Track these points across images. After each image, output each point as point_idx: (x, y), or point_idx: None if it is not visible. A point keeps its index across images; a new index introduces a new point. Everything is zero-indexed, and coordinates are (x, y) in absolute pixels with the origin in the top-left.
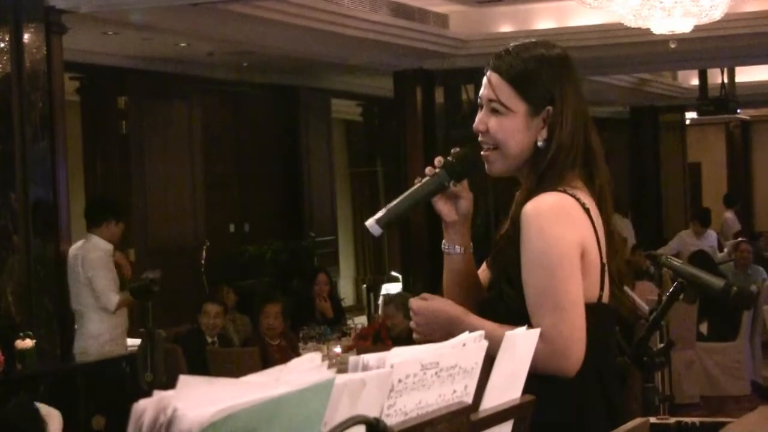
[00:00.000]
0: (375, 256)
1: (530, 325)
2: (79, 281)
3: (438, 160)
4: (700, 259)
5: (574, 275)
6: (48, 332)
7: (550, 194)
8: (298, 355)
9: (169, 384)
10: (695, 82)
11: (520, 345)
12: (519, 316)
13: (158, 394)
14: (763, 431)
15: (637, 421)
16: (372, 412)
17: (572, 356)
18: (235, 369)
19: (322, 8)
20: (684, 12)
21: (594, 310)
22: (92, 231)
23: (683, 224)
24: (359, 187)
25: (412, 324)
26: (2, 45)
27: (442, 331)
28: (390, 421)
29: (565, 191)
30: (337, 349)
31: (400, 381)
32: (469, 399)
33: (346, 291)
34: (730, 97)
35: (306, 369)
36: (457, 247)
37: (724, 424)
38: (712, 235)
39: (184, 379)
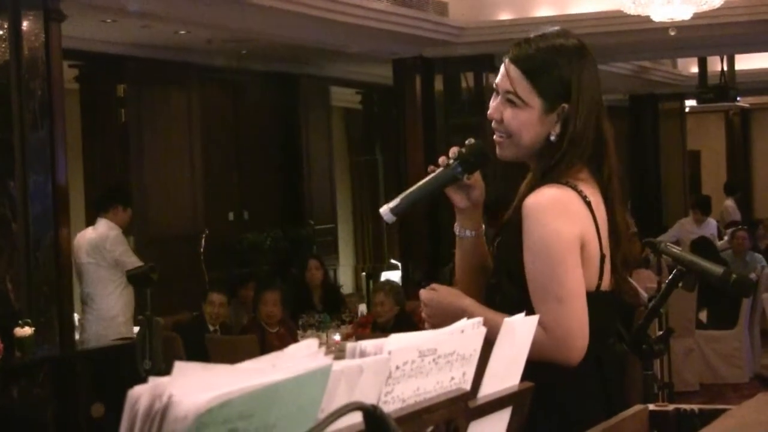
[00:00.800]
0: (374, 244)
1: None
2: (98, 264)
3: (452, 151)
4: (702, 246)
5: (574, 268)
6: (47, 320)
7: (551, 187)
8: (297, 342)
9: (168, 372)
10: (695, 69)
11: (519, 332)
12: (517, 307)
13: (153, 381)
14: (762, 418)
15: (636, 408)
16: (369, 399)
17: (574, 347)
18: (234, 357)
19: None
20: None
21: (592, 299)
22: (102, 216)
23: (683, 212)
24: (358, 175)
25: (423, 315)
26: (1, 33)
27: (454, 321)
28: (388, 408)
29: (567, 183)
30: (337, 337)
31: (397, 368)
32: (467, 386)
33: (346, 279)
34: (730, 84)
35: (303, 355)
36: (467, 231)
37: (723, 411)
38: (712, 223)
39: (179, 366)
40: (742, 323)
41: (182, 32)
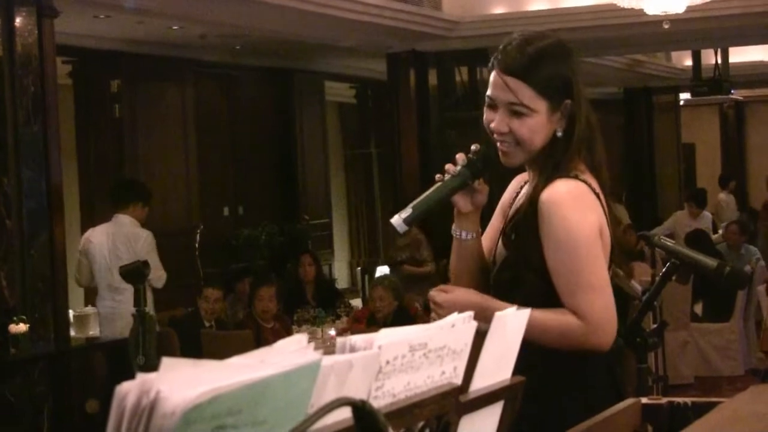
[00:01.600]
0: (369, 239)
1: (552, 306)
2: (123, 259)
3: (460, 158)
4: (698, 238)
5: (600, 257)
6: (42, 316)
7: (564, 181)
8: None
9: None
10: (689, 62)
11: (510, 326)
12: (541, 302)
13: (141, 377)
14: (755, 411)
15: (629, 401)
16: (359, 394)
17: (609, 332)
18: (229, 352)
19: None
20: None
21: None
22: (120, 212)
23: (677, 205)
24: (353, 169)
25: (434, 316)
26: None
27: None
28: (378, 403)
29: (576, 177)
30: (332, 332)
31: (388, 362)
32: (458, 380)
33: (341, 274)
34: (724, 77)
35: (292, 350)
36: (469, 233)
37: (716, 404)
38: (707, 216)
39: (167, 362)
40: (738, 316)
41: (176, 28)
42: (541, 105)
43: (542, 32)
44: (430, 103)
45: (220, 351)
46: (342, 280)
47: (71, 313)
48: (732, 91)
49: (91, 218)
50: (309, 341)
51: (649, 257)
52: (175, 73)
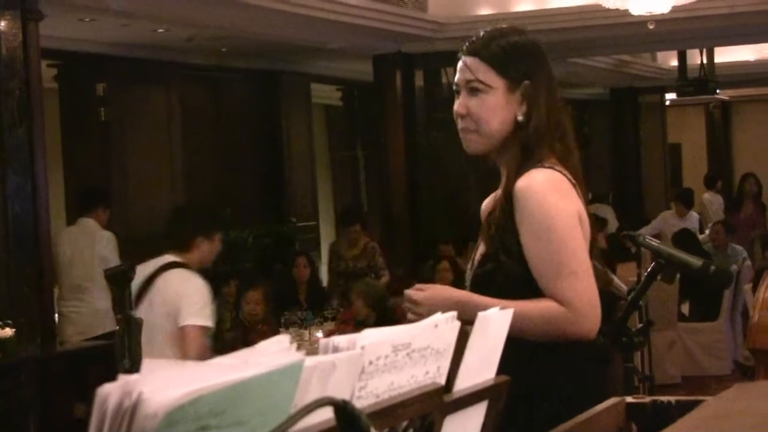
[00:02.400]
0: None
1: (532, 293)
2: (86, 258)
3: None
4: (685, 237)
5: (581, 243)
6: (28, 320)
7: (539, 171)
8: None
9: None
10: (674, 63)
11: (494, 325)
12: (520, 284)
13: (123, 378)
14: (739, 408)
15: (613, 400)
16: (343, 395)
17: (593, 318)
18: (216, 355)
19: None
20: None
21: None
22: (85, 215)
23: (664, 205)
24: (340, 171)
25: (411, 316)
26: None
27: None
28: (362, 403)
29: (552, 168)
30: (319, 334)
31: (371, 363)
32: (441, 380)
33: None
34: (710, 77)
35: (275, 351)
36: None
37: (700, 402)
38: (694, 216)
39: (149, 363)
40: (724, 315)
41: (161, 30)
42: (497, 82)
43: (519, 29)
44: (417, 105)
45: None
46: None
47: (57, 316)
48: (718, 91)
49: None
50: (294, 343)
51: (637, 257)
52: (161, 76)
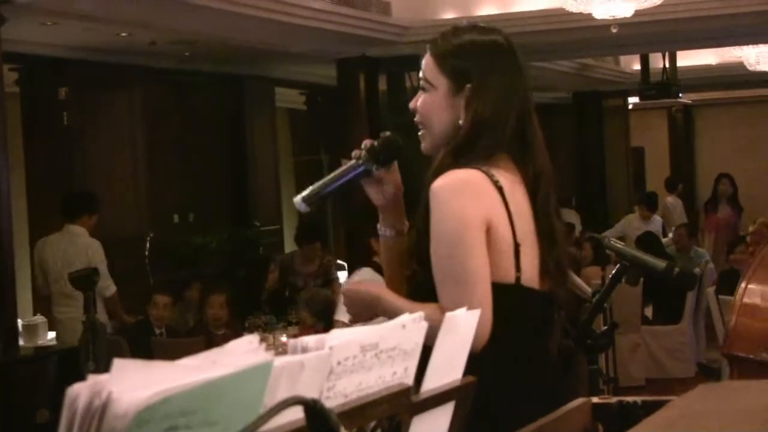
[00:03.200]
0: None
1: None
2: (78, 267)
3: (364, 144)
4: (648, 241)
5: (476, 249)
6: None
7: (458, 170)
8: None
9: None
10: (637, 66)
11: (462, 326)
12: (427, 294)
13: (92, 378)
14: (703, 408)
15: (579, 401)
16: (311, 395)
17: (478, 332)
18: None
19: None
20: None
21: (509, 291)
22: (71, 222)
23: (627, 208)
24: (303, 175)
25: (343, 306)
26: None
27: (368, 312)
28: (330, 403)
29: (479, 169)
30: (283, 338)
31: (339, 363)
32: (409, 380)
33: None
34: (672, 81)
35: (244, 351)
36: (387, 229)
37: (665, 402)
38: (657, 220)
39: (118, 363)
40: (687, 318)
41: (124, 34)
42: (441, 82)
43: (488, 28)
44: (381, 109)
45: (171, 358)
46: None
47: (20, 322)
48: (680, 95)
49: (39, 227)
50: (263, 343)
51: (601, 260)
52: (124, 80)
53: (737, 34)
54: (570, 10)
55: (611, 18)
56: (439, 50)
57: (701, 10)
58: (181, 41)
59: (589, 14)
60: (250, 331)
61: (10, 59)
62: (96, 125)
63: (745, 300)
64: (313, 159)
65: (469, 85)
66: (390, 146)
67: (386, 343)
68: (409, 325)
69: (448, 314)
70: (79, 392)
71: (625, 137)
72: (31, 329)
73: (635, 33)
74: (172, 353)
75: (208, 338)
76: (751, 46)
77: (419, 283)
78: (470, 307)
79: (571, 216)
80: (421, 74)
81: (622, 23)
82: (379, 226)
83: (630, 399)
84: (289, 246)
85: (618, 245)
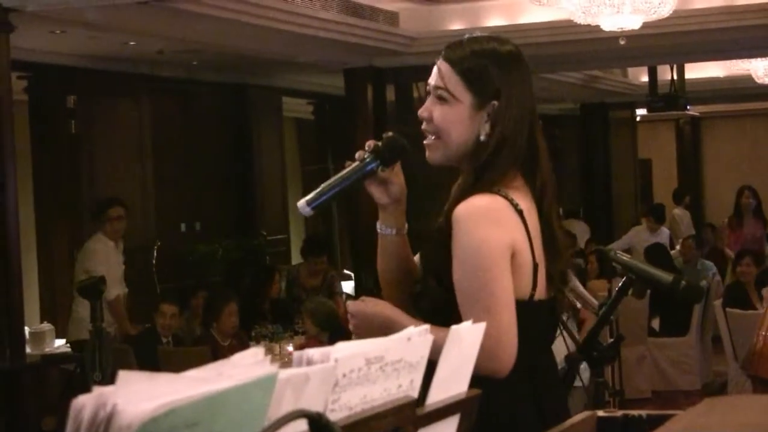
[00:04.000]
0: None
1: (455, 320)
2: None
3: (368, 145)
4: (656, 252)
5: (503, 277)
6: None
7: (481, 197)
8: None
9: None
10: (645, 78)
11: (467, 339)
12: (443, 313)
13: (98, 390)
14: (708, 422)
15: (584, 414)
16: (316, 407)
17: (502, 358)
18: (187, 369)
19: (272, 6)
20: (633, 9)
21: (526, 308)
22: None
23: (634, 221)
24: (311, 185)
25: (351, 327)
26: None
27: (380, 333)
28: (335, 416)
29: (499, 192)
30: (290, 348)
31: (344, 375)
32: (414, 393)
33: None
34: (680, 93)
35: (249, 364)
36: (389, 228)
37: (671, 416)
38: (664, 232)
39: (123, 375)
40: (694, 330)
41: (132, 43)
42: (465, 96)
43: (502, 37)
44: (388, 119)
45: (178, 367)
46: None
47: (27, 329)
48: (688, 107)
49: (46, 234)
50: (268, 355)
51: (607, 273)
52: (131, 89)
53: (745, 47)
54: (578, 22)
55: (619, 30)
56: (462, 65)
57: (709, 22)
58: (188, 50)
59: (597, 26)
60: (257, 340)
61: (19, 67)
62: (103, 133)
63: None
64: (320, 168)
65: (495, 102)
66: (394, 146)
67: (391, 355)
68: (414, 338)
69: (453, 327)
70: (84, 404)
71: (632, 149)
72: (38, 336)
73: (643, 45)
74: (178, 362)
75: (214, 348)
76: (758, 59)
77: (433, 299)
78: (497, 335)
79: (581, 227)
80: (438, 83)
81: (630, 35)
82: (379, 224)
83: (635, 413)
84: (296, 255)
85: (624, 258)
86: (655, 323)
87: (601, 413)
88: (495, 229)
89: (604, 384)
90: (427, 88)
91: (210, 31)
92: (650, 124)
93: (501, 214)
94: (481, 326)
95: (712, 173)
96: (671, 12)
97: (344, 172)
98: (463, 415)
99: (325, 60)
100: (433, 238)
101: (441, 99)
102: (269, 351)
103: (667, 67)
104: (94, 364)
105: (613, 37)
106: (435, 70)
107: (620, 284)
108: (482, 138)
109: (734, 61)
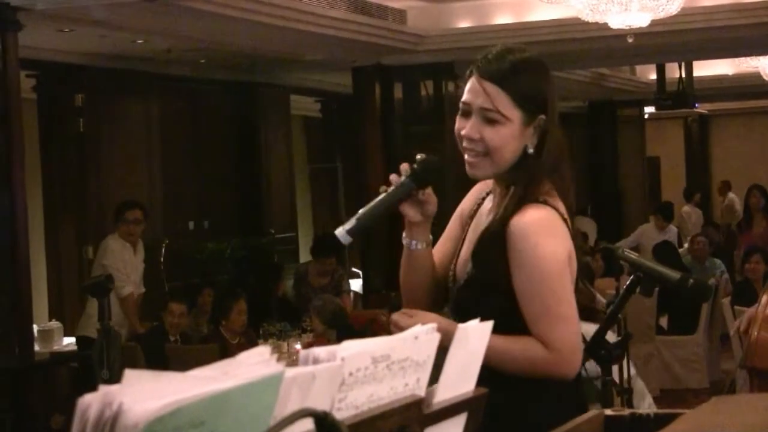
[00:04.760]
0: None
1: (513, 328)
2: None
3: (404, 169)
4: (665, 250)
5: (569, 285)
6: (5, 331)
7: (535, 209)
8: None
9: None
10: (653, 76)
11: (473, 338)
12: (504, 324)
13: (103, 389)
14: (715, 421)
15: (592, 413)
16: (322, 406)
17: (575, 362)
18: (195, 366)
19: (280, 4)
20: (641, 6)
21: None
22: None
23: (642, 218)
24: (318, 183)
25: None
26: None
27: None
28: (341, 414)
29: (546, 202)
30: (298, 346)
31: (351, 374)
32: (421, 392)
33: None
34: (688, 91)
35: (255, 362)
36: (419, 243)
37: (678, 415)
38: (672, 230)
39: (129, 374)
40: (702, 329)
41: (140, 41)
42: (515, 115)
43: (521, 45)
44: (395, 117)
45: (186, 365)
46: None
47: (35, 327)
48: (696, 105)
49: (54, 232)
50: (274, 354)
51: (615, 271)
52: (139, 87)
53: (754, 45)
54: (586, 20)
55: (627, 28)
56: (513, 85)
57: (717, 20)
58: (196, 49)
59: (605, 24)
60: (265, 338)
61: (27, 66)
62: (112, 131)
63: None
64: (328, 167)
65: (542, 116)
66: (429, 167)
67: (398, 354)
68: (421, 337)
69: (460, 326)
70: (91, 402)
71: (640, 147)
72: (46, 334)
73: (651, 43)
74: (186, 360)
75: (223, 345)
76: (767, 57)
77: (492, 307)
78: (574, 342)
79: (589, 225)
80: (486, 105)
81: (638, 33)
82: (407, 239)
83: (642, 411)
84: (304, 253)
85: (632, 256)
86: (663, 321)
87: (608, 412)
88: (555, 240)
89: (611, 382)
90: (465, 106)
91: (218, 30)
92: (658, 122)
93: (556, 226)
94: (488, 325)
95: (719, 171)
96: (679, 9)
97: (382, 197)
98: (471, 414)
99: (332, 58)
100: (484, 244)
101: (491, 120)
102: (277, 349)
103: (676, 64)
104: (102, 362)
105: (621, 35)
106: (476, 89)
107: (628, 282)
108: (530, 150)
109: (743, 58)
